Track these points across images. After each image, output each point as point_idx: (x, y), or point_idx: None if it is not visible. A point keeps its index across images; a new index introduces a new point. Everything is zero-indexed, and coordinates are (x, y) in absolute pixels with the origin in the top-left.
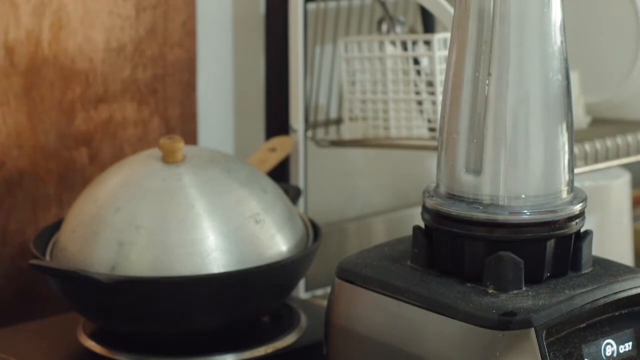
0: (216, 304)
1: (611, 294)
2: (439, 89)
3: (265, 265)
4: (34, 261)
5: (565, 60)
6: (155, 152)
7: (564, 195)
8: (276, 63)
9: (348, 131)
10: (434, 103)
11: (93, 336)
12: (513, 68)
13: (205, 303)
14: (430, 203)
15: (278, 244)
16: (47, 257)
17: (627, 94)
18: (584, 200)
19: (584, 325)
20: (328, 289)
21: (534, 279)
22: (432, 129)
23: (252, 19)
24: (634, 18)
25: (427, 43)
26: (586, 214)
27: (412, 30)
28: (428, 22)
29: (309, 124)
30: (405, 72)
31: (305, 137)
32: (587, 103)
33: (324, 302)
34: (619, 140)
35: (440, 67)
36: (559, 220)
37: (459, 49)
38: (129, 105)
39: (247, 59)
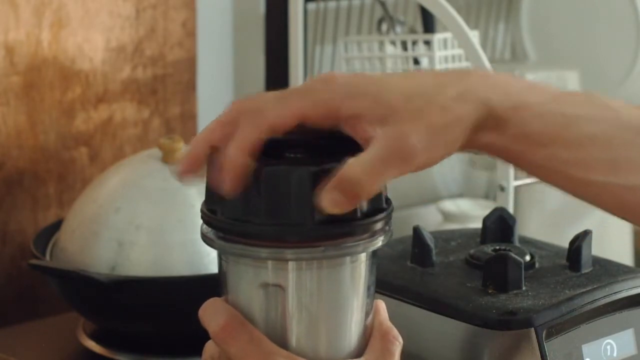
0: None
1: (611, 294)
2: None
3: None
4: (33, 261)
5: None
6: (155, 152)
7: None
8: (276, 63)
9: None
10: None
11: (93, 336)
12: None
13: None
14: None
15: None
16: (47, 257)
17: (627, 94)
18: None
19: (584, 325)
20: None
21: None
22: None
23: (252, 19)
24: (634, 18)
25: (427, 43)
26: (586, 214)
27: (412, 30)
28: (428, 22)
29: None
30: None
31: None
32: None
33: None
34: None
35: (440, 67)
36: None
37: None
38: (129, 105)
39: (247, 59)
